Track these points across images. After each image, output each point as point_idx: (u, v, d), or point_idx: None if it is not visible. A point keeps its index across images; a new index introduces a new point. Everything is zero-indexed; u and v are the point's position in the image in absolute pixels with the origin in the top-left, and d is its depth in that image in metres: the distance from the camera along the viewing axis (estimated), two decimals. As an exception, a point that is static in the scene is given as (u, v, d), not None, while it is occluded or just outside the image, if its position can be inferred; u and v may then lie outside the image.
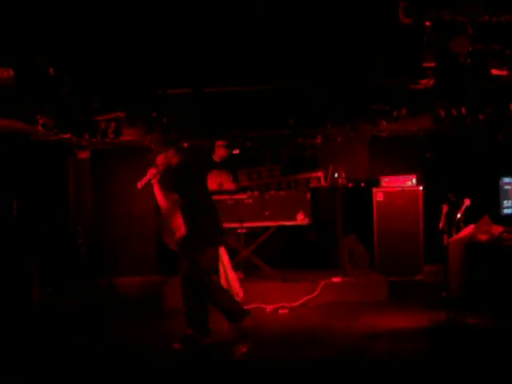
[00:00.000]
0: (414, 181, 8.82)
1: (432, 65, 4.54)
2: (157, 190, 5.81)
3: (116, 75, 5.69)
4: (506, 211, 8.46)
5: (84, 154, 8.82)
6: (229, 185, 8.28)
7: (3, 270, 6.78)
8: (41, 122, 6.10)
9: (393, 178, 8.84)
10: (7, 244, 6.98)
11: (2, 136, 6.83)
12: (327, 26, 4.61)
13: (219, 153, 8.36)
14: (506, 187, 8.53)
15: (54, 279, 7.73)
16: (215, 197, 8.01)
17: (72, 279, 8.33)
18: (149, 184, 5.79)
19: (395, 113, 6.88)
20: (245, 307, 6.13)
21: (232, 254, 8.23)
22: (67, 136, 7.01)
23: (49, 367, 5.26)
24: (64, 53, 4.90)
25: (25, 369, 5.20)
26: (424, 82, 4.96)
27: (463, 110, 6.43)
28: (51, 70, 4.90)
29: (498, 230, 6.20)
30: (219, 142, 8.26)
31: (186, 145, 9.11)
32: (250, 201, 7.96)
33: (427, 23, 4.07)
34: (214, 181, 8.28)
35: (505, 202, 8.44)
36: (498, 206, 8.38)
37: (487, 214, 6.38)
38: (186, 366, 5.32)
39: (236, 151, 8.79)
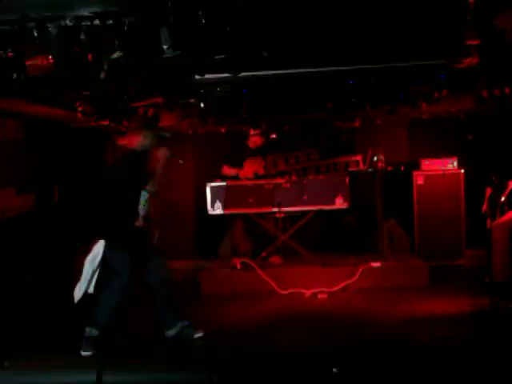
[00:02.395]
0: (455, 163, 8.63)
1: (476, 42, 4.42)
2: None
3: (153, 61, 5.69)
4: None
5: (123, 140, 8.86)
6: (260, 171, 8.27)
7: (45, 253, 6.88)
8: (80, 108, 6.16)
9: (433, 160, 8.67)
10: (49, 230, 7.08)
11: (43, 123, 6.93)
12: (367, 5, 4.52)
13: (254, 140, 8.35)
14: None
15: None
16: (253, 181, 8.03)
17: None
18: None
19: (436, 94, 6.74)
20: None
21: (270, 239, 8.25)
22: (106, 122, 7.07)
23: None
24: (102, 39, 4.92)
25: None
26: (467, 60, 4.82)
27: (507, 89, 6.26)
28: (89, 56, 4.93)
29: (543, 212, 6.05)
30: (252, 131, 8.25)
31: (223, 130, 9.15)
32: (288, 185, 7.92)
33: (470, -1, 3.95)
34: (249, 168, 8.26)
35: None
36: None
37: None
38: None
39: (273, 136, 8.76)
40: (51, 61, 4.45)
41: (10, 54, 4.33)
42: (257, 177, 8.15)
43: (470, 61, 4.77)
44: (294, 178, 8.22)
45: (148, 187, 5.39)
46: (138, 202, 5.34)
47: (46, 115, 6.52)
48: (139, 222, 5.36)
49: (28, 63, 4.40)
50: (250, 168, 8.25)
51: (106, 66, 5.07)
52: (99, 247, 5.26)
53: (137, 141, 5.48)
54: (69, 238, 7.31)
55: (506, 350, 4.86)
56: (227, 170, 8.25)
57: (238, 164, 8.26)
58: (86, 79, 5.47)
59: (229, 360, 5.05)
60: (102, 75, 5.20)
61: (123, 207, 5.34)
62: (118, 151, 5.85)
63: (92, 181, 8.36)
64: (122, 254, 5.29)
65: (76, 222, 7.60)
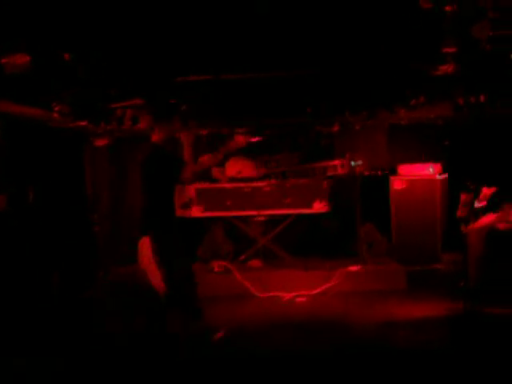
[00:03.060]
0: (433, 169, 8.71)
1: (452, 50, 4.47)
2: None
3: (134, 61, 5.68)
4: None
5: (101, 142, 8.81)
6: (249, 172, 8.24)
7: (20, 256, 6.81)
8: (57, 108, 6.10)
9: (411, 166, 8.75)
10: (23, 231, 7.01)
11: (19, 123, 6.85)
12: (345, 11, 4.55)
13: (237, 141, 8.35)
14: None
15: (72, 268, 7.76)
16: (233, 184, 8.03)
17: (89, 268, 8.36)
18: None
19: (414, 100, 6.80)
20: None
21: (250, 242, 8.25)
22: (84, 123, 7.01)
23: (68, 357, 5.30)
24: (80, 38, 4.90)
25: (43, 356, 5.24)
26: (443, 68, 4.88)
27: (482, 97, 6.33)
28: (67, 56, 4.90)
29: (517, 218, 6.12)
30: (236, 130, 8.25)
31: (204, 132, 9.13)
32: (268, 188, 7.94)
33: (447, 8, 3.99)
34: (232, 168, 8.26)
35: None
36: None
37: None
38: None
39: (254, 139, 8.77)
40: (27, 59, 4.43)
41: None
42: (240, 179, 8.14)
43: (447, 68, 4.83)
44: (274, 181, 8.23)
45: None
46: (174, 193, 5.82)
47: (21, 114, 6.45)
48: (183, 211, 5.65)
49: (4, 61, 4.37)
50: (233, 168, 8.25)
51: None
52: (145, 245, 5.49)
53: (159, 136, 5.88)
54: (43, 239, 7.24)
55: (479, 354, 4.92)
56: (216, 172, 8.26)
57: (221, 165, 8.27)
58: (64, 78, 5.44)
59: (209, 361, 5.07)
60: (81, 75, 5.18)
61: (167, 200, 5.73)
62: (147, 148, 6.03)
63: (69, 182, 8.32)
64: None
65: (52, 223, 7.53)
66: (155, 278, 5.55)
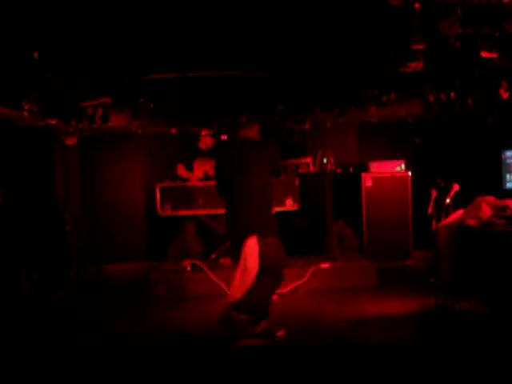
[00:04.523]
0: (403, 166, 8.80)
1: (421, 47, 4.51)
2: None
3: (103, 60, 5.63)
4: (508, 185, 8.29)
5: (71, 141, 8.74)
6: (211, 172, 8.24)
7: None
8: (26, 107, 6.01)
9: (381, 163, 8.82)
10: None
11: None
12: (315, 10, 4.56)
13: (205, 141, 8.32)
14: (509, 161, 8.32)
15: (42, 267, 7.66)
16: (204, 183, 8.01)
17: (60, 267, 8.27)
18: None
19: (384, 97, 6.85)
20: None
21: (221, 240, 8.21)
22: (54, 122, 6.93)
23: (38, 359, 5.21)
24: (50, 37, 4.83)
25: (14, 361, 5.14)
26: (413, 65, 4.92)
27: (452, 94, 6.40)
28: (36, 54, 4.83)
29: (486, 214, 6.19)
30: (204, 132, 8.24)
31: (174, 131, 9.09)
32: (239, 187, 7.91)
33: (416, 5, 4.03)
34: (199, 169, 8.23)
35: (508, 175, 8.28)
36: (500, 180, 8.28)
37: (490, 192, 6.38)
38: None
39: (223, 137, 8.74)
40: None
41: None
42: (207, 178, 8.12)
43: (416, 65, 4.87)
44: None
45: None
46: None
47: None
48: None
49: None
50: (200, 168, 8.22)
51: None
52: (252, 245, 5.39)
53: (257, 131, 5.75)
54: (11, 238, 7.14)
55: (450, 349, 4.97)
56: (182, 171, 8.20)
57: (189, 165, 8.22)
58: (33, 77, 5.37)
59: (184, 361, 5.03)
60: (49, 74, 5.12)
61: (268, 196, 5.62)
62: (241, 143, 5.85)
63: (40, 181, 8.22)
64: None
65: (22, 223, 7.43)
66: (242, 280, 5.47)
